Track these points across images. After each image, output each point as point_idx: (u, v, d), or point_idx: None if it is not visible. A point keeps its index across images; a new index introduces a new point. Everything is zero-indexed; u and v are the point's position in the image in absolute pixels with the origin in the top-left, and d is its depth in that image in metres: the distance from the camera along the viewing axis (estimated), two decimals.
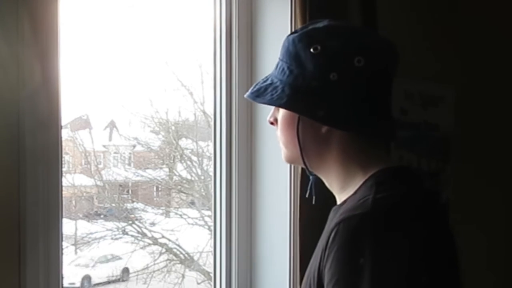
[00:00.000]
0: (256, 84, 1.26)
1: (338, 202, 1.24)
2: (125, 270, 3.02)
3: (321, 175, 1.27)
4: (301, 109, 1.19)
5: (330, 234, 1.09)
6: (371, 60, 1.18)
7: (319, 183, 1.29)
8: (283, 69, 1.22)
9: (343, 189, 1.22)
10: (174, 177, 3.31)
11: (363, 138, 1.21)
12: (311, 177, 1.29)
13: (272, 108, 1.28)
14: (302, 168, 1.72)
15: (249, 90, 1.26)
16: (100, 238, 3.00)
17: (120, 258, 3.00)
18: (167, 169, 3.35)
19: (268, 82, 1.24)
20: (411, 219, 1.10)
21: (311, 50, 1.18)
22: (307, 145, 1.22)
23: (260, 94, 1.23)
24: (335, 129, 1.19)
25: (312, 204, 1.33)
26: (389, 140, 1.38)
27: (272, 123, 1.29)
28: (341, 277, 1.06)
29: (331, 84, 1.17)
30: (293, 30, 1.82)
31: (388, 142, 1.52)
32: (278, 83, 1.21)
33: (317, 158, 1.23)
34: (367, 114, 1.18)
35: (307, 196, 1.32)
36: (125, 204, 3.20)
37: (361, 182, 1.18)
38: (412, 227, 1.08)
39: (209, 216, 2.92)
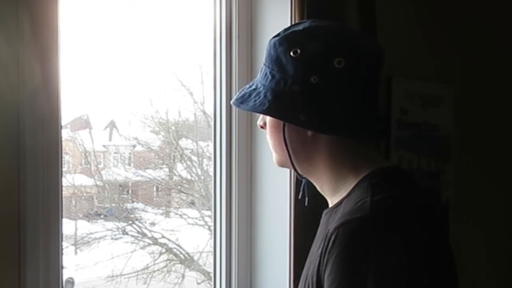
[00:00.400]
0: (242, 90, 1.25)
1: (330, 205, 1.22)
2: (69, 282, 2.89)
3: (312, 179, 1.25)
4: (283, 114, 1.18)
5: (330, 238, 1.07)
6: (352, 61, 1.16)
7: (312, 185, 1.28)
8: (266, 74, 1.21)
9: (334, 192, 1.21)
10: (174, 177, 3.32)
11: (351, 140, 1.19)
12: (303, 179, 1.29)
13: None
14: None
15: (235, 96, 1.25)
16: (100, 238, 3.00)
17: (63, 268, 2.89)
18: (167, 169, 3.36)
19: (253, 87, 1.23)
20: (410, 221, 1.09)
21: (291, 53, 1.17)
22: (295, 150, 1.21)
23: (244, 101, 1.22)
24: (317, 132, 1.17)
25: (304, 205, 1.32)
26: (378, 139, 1.37)
27: (262, 127, 1.28)
28: (342, 282, 1.04)
29: (312, 87, 1.15)
30: None
31: (378, 142, 1.51)
32: (261, 89, 1.20)
33: (306, 162, 1.22)
34: (350, 116, 1.16)
35: (299, 197, 1.32)
36: (125, 204, 3.21)
37: (353, 184, 1.17)
38: (411, 229, 1.08)
39: (209, 216, 2.92)
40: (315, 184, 1.26)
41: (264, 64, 1.23)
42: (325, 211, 1.22)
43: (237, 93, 1.25)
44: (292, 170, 1.82)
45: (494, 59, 2.70)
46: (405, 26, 2.26)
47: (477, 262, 2.50)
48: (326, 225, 1.15)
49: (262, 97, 1.19)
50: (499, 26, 2.72)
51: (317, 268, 1.10)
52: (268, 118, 1.24)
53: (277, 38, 1.22)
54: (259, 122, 1.29)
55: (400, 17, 2.24)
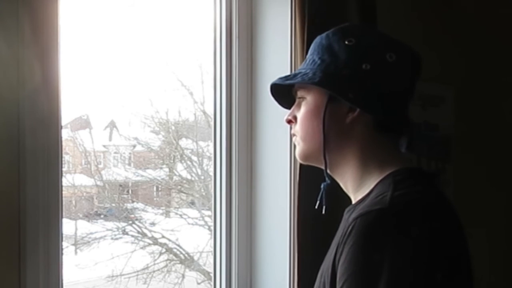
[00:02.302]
0: (282, 76, 1.28)
1: (353, 202, 1.24)
2: None
3: (337, 174, 1.26)
4: (334, 88, 1.21)
5: (347, 230, 1.08)
6: (402, 58, 1.22)
7: (329, 191, 1.28)
8: (313, 60, 1.25)
9: (358, 188, 1.22)
10: (174, 177, 3.32)
11: (385, 133, 1.22)
12: (322, 185, 1.29)
13: (288, 111, 1.30)
14: (300, 168, 1.71)
15: (276, 79, 1.29)
16: (100, 238, 3.00)
17: None
18: (167, 169, 3.36)
19: (296, 72, 1.27)
20: (428, 217, 1.10)
21: (346, 42, 1.22)
22: (329, 137, 1.23)
23: (289, 79, 1.26)
24: (364, 111, 1.20)
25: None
26: (408, 137, 1.38)
27: (290, 121, 1.30)
28: (354, 272, 1.05)
29: (362, 72, 1.20)
30: (293, 30, 1.82)
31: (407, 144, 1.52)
32: (308, 70, 1.24)
33: (337, 153, 1.24)
34: (394, 106, 1.21)
35: (316, 207, 1.31)
36: (125, 204, 3.21)
37: (377, 181, 1.18)
38: (428, 225, 1.09)
39: (209, 216, 2.92)
40: (339, 179, 1.27)
41: (311, 55, 1.27)
42: (347, 209, 1.23)
43: (277, 78, 1.29)
44: (293, 170, 1.83)
45: (495, 59, 2.70)
46: (405, 27, 2.25)
47: (478, 262, 2.50)
48: (349, 218, 1.16)
49: (311, 75, 1.23)
50: (499, 25, 2.72)
51: (333, 260, 1.11)
52: (304, 107, 1.26)
53: (329, 30, 1.26)
54: (288, 116, 1.30)
55: (401, 18, 2.24)
